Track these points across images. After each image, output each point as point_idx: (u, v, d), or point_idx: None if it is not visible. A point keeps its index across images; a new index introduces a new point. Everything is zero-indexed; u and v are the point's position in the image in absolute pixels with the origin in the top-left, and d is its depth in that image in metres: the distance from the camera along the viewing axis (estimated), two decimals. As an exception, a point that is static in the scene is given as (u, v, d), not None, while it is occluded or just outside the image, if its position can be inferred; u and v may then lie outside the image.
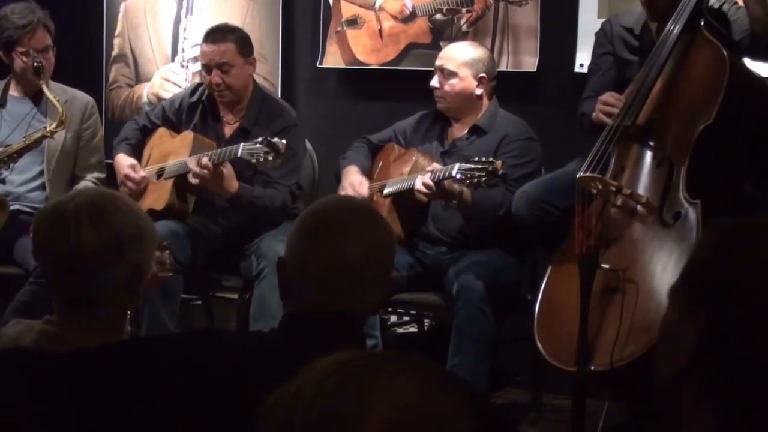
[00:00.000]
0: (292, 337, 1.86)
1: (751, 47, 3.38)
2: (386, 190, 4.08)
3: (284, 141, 3.87)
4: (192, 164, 4.01)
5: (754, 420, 1.10)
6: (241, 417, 1.66)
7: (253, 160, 3.88)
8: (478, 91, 4.08)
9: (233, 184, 4.03)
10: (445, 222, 4.05)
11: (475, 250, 3.97)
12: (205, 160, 3.98)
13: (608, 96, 3.51)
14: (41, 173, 4.40)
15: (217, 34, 4.25)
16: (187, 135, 4.30)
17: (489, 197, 3.82)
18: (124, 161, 4.38)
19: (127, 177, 4.32)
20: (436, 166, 3.85)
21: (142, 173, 4.35)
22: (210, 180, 3.99)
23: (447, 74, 4.07)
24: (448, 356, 3.78)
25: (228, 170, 4.02)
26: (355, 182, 4.13)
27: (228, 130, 4.32)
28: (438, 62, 4.14)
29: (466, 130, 4.13)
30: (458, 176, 3.64)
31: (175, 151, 4.30)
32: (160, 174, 4.33)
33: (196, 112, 4.39)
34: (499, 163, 3.59)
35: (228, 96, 4.27)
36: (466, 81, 4.07)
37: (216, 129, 4.34)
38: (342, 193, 4.13)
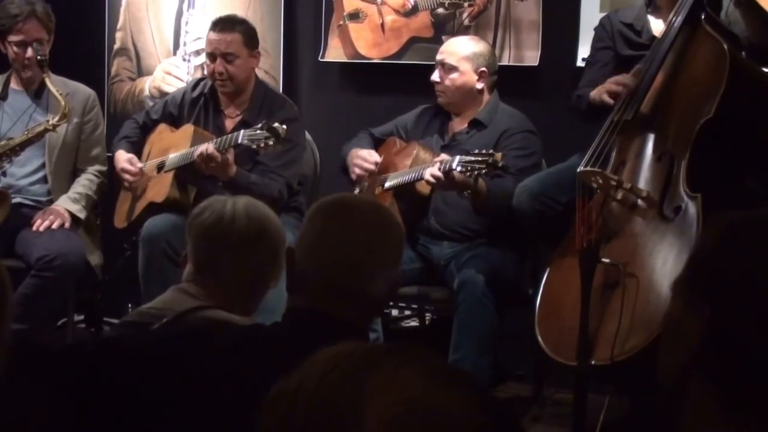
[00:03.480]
0: (296, 331, 1.87)
1: (749, 50, 3.38)
2: (387, 184, 4.08)
3: (284, 126, 3.88)
4: (198, 151, 4.03)
5: (759, 411, 1.11)
6: (245, 411, 1.66)
7: (254, 146, 3.89)
8: (479, 86, 4.08)
9: (232, 169, 4.05)
10: (447, 216, 4.05)
11: (476, 244, 3.97)
12: (211, 148, 4.00)
13: (621, 76, 3.48)
14: (43, 166, 4.39)
15: (224, 24, 4.28)
16: (188, 128, 4.31)
17: (502, 187, 3.80)
18: (121, 156, 4.41)
19: (123, 170, 4.34)
20: (445, 156, 3.84)
21: (139, 165, 4.36)
22: (214, 166, 4.02)
23: (448, 69, 4.07)
24: (449, 350, 3.78)
25: (230, 155, 4.04)
26: (360, 156, 4.17)
27: (229, 123, 4.33)
28: (439, 56, 4.14)
29: (466, 124, 4.13)
30: (459, 168, 3.64)
31: (176, 144, 4.30)
32: (160, 168, 4.33)
33: (197, 105, 4.40)
34: (499, 155, 3.59)
35: (229, 86, 4.28)
36: (466, 75, 4.07)
37: (217, 122, 4.35)
38: (353, 168, 4.17)
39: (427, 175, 3.77)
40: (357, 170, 4.18)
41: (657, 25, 3.59)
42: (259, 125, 3.89)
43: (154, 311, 2.35)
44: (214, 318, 2.24)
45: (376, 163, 4.17)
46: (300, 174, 4.38)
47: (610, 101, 3.43)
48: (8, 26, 4.27)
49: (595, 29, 3.85)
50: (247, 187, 4.10)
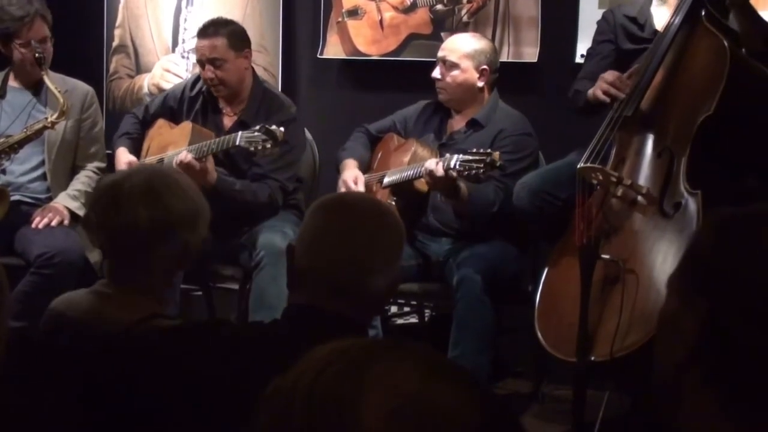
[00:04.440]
0: (295, 328, 1.87)
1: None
2: (386, 180, 4.07)
3: (282, 129, 3.86)
4: (176, 160, 4.03)
5: (755, 408, 1.10)
6: (241, 409, 1.66)
7: (252, 148, 3.87)
8: (480, 83, 4.07)
9: (212, 176, 4.03)
10: (446, 213, 4.05)
11: (475, 241, 3.97)
12: (189, 157, 3.98)
13: (614, 76, 3.47)
14: (42, 163, 4.39)
15: (209, 29, 4.24)
16: (186, 125, 4.30)
17: (482, 195, 3.82)
18: (122, 158, 4.37)
19: None
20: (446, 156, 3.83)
21: None
22: (192, 172, 4.00)
23: (449, 65, 4.06)
24: (448, 347, 3.78)
25: (210, 164, 4.03)
26: (348, 179, 4.10)
27: (228, 122, 4.32)
28: (440, 53, 4.13)
29: (464, 124, 4.12)
30: (458, 167, 3.63)
31: (175, 141, 4.30)
32: (159, 165, 4.33)
33: (196, 103, 4.39)
34: (497, 154, 3.58)
35: (223, 91, 4.26)
36: (467, 73, 4.06)
37: (216, 121, 4.34)
38: (339, 188, 4.12)
39: (432, 165, 3.73)
40: (343, 189, 4.12)
41: (660, 19, 3.58)
42: (257, 127, 3.88)
43: (74, 322, 2.14)
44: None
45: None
46: (297, 172, 4.37)
47: (606, 99, 3.43)
48: (14, 29, 4.26)
49: (598, 22, 3.85)
50: (231, 194, 4.09)
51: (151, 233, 2.08)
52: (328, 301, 1.88)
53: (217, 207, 4.10)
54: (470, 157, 3.61)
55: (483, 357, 3.77)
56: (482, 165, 3.57)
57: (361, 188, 4.07)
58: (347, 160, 4.20)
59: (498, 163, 3.58)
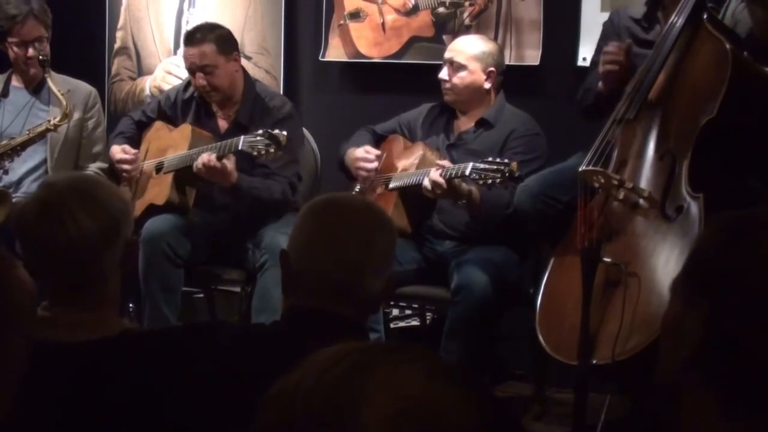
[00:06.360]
0: (295, 330, 1.87)
1: (751, 48, 3.37)
2: (392, 184, 4.07)
3: (285, 132, 3.86)
4: (200, 162, 4.01)
5: (758, 411, 1.10)
6: (242, 409, 1.66)
7: (254, 153, 3.87)
8: (487, 85, 4.07)
9: (233, 176, 4.03)
10: (451, 216, 4.04)
11: (479, 244, 3.96)
12: (213, 159, 3.96)
13: (614, 46, 3.50)
14: (44, 162, 4.40)
15: (196, 35, 4.22)
16: (185, 128, 4.29)
17: (497, 196, 3.80)
18: (115, 150, 4.39)
19: (119, 161, 4.32)
20: (447, 163, 3.83)
21: (134, 150, 4.35)
22: (215, 173, 4.00)
23: (456, 67, 4.06)
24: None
25: (230, 163, 4.02)
26: (359, 158, 4.13)
27: (222, 125, 4.31)
28: (447, 54, 4.13)
29: (473, 124, 4.11)
30: (472, 176, 3.62)
31: (174, 144, 4.29)
32: (159, 168, 4.32)
33: (190, 108, 4.37)
34: (515, 165, 3.55)
35: (216, 96, 4.25)
36: (475, 74, 4.06)
37: (210, 124, 4.32)
38: (356, 172, 4.13)
39: (426, 183, 3.75)
40: (362, 173, 4.15)
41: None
42: (260, 132, 3.87)
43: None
44: None
45: (378, 156, 4.15)
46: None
47: (615, 67, 3.44)
48: (7, 28, 4.30)
49: (604, 24, 3.84)
50: (249, 191, 4.09)
51: (101, 236, 1.93)
52: (326, 303, 1.88)
53: (232, 208, 4.16)
54: (486, 166, 3.58)
55: (477, 361, 3.77)
56: (499, 174, 3.54)
57: (375, 152, 4.11)
58: (351, 149, 4.21)
59: (517, 174, 3.56)
